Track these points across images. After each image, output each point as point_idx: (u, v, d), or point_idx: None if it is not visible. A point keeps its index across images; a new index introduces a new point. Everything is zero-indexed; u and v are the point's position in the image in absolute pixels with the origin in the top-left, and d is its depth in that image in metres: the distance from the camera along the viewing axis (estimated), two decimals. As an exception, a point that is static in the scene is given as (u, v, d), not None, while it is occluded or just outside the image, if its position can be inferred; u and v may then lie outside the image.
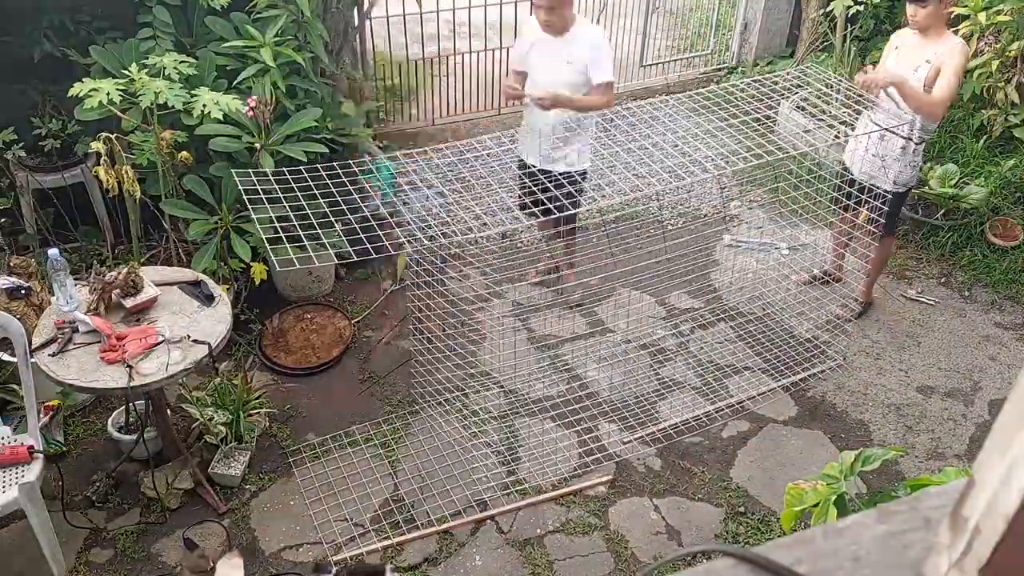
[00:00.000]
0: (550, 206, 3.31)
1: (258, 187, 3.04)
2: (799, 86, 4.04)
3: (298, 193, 3.11)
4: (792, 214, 4.44)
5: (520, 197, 3.81)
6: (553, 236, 4.44)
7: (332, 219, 3.03)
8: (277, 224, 2.97)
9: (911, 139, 3.76)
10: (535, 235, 4.86)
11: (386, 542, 3.25)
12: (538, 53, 3.85)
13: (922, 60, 3.74)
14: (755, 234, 4.91)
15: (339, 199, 3.16)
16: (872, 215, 3.85)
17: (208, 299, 3.17)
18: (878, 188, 3.81)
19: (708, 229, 5.03)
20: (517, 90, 3.86)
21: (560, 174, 3.73)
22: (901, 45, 3.89)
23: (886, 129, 3.73)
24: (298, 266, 2.82)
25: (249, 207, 3.03)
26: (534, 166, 3.96)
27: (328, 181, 3.12)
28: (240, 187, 3.09)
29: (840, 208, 4.14)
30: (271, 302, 4.26)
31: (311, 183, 3.13)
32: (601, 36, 3.93)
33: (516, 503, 3.42)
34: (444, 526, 3.31)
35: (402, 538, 3.27)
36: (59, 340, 2.93)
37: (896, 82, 3.66)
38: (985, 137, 5.09)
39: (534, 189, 3.55)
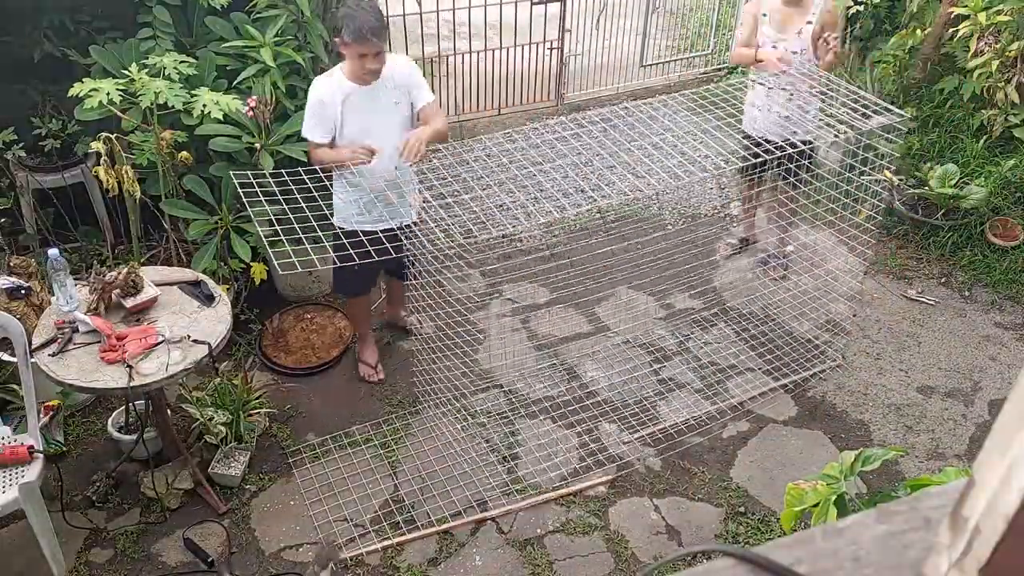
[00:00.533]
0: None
1: (256, 189, 3.04)
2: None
3: (297, 196, 3.11)
4: (792, 214, 4.44)
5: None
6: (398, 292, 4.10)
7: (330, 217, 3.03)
8: (275, 220, 2.97)
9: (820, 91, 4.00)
10: (535, 234, 4.86)
11: (386, 542, 3.25)
12: (360, 109, 3.34)
13: (803, 22, 4.06)
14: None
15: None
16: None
17: (208, 299, 3.17)
18: (795, 139, 3.90)
19: (708, 229, 5.03)
20: (367, 148, 3.31)
21: (411, 223, 3.48)
22: (770, 12, 4.14)
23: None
24: (299, 269, 2.82)
25: (248, 208, 3.03)
26: (388, 230, 3.31)
27: (327, 183, 3.12)
28: (239, 188, 3.09)
29: (747, 178, 4.56)
30: (271, 302, 4.26)
31: (310, 185, 3.13)
32: (405, 60, 3.56)
33: (516, 503, 3.42)
34: (444, 526, 3.31)
35: (402, 538, 3.27)
36: (59, 340, 2.93)
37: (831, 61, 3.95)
38: (985, 137, 5.08)
39: (410, 252, 3.24)
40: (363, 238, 3.09)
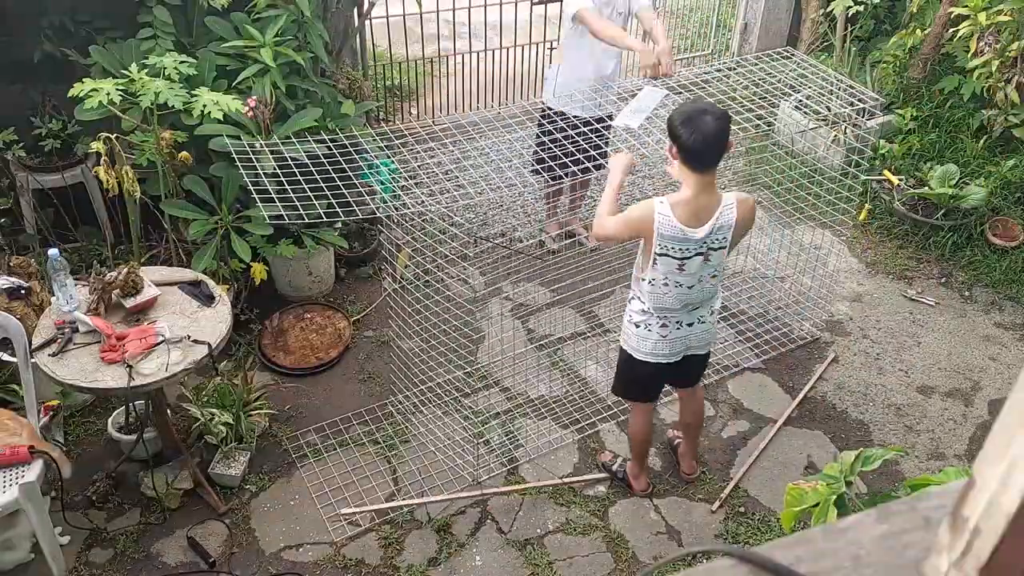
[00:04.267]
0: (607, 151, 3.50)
1: (262, 175, 3.04)
2: (795, 84, 4.04)
3: (304, 185, 3.11)
4: (795, 211, 4.44)
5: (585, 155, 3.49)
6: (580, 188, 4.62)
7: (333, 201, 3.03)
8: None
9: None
10: (534, 232, 4.86)
11: (386, 542, 3.25)
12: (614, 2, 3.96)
13: None
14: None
15: (340, 186, 3.17)
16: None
17: (208, 299, 3.17)
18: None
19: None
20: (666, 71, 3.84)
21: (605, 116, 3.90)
22: None
23: None
24: (287, 222, 2.84)
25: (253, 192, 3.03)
26: (592, 119, 3.73)
27: (330, 170, 3.13)
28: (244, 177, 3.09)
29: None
30: (271, 302, 4.26)
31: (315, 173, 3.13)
32: None
33: (516, 502, 3.42)
34: (444, 515, 3.32)
35: (402, 531, 3.27)
36: (59, 340, 2.93)
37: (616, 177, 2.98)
38: (985, 137, 5.09)
39: (598, 143, 3.50)
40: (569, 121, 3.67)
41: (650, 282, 2.83)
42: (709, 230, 2.69)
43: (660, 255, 2.74)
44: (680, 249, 2.71)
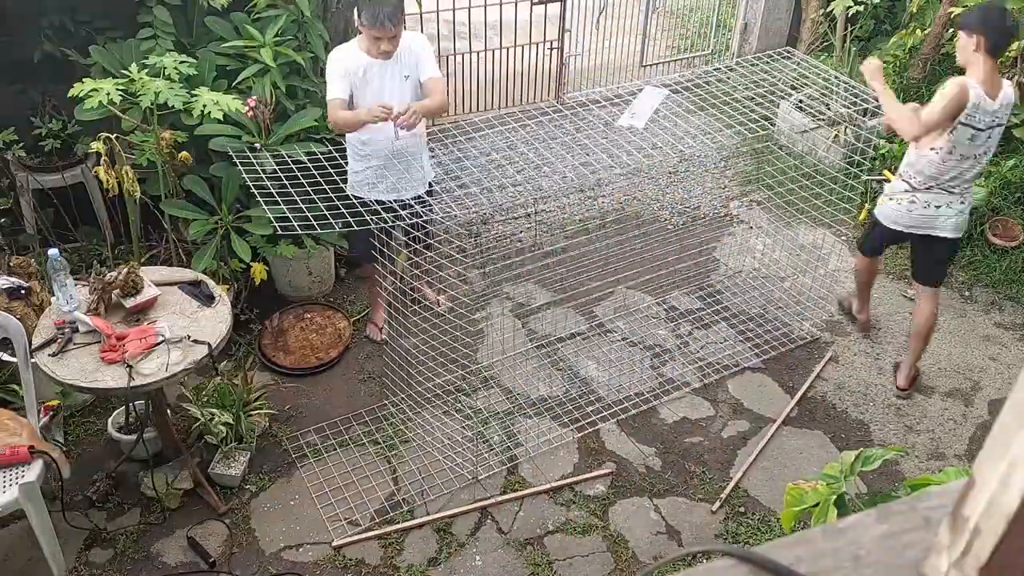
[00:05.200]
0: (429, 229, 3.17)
1: (262, 174, 3.04)
2: (795, 84, 4.04)
3: (304, 183, 3.11)
4: (796, 212, 4.44)
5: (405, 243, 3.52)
6: (414, 261, 4.11)
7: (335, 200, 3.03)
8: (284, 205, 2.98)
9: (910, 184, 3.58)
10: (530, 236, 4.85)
11: (386, 541, 3.25)
12: (373, 82, 3.53)
13: None
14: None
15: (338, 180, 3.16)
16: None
17: (208, 299, 3.17)
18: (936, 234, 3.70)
19: (708, 229, 5.03)
20: (387, 107, 3.38)
21: (423, 193, 3.69)
22: None
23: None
24: (296, 225, 2.83)
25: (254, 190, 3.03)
26: (389, 201, 3.57)
27: (331, 171, 3.13)
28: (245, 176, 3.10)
29: None
30: (271, 302, 4.26)
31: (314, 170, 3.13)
32: (418, 37, 3.67)
33: (516, 500, 3.41)
34: (443, 513, 3.31)
35: (402, 524, 3.26)
36: (59, 340, 2.93)
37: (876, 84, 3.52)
38: (985, 137, 5.08)
39: (408, 227, 3.47)
40: (377, 207, 3.29)
41: (936, 150, 3.40)
42: (1000, 103, 3.33)
43: (963, 124, 3.32)
44: (979, 119, 3.32)
